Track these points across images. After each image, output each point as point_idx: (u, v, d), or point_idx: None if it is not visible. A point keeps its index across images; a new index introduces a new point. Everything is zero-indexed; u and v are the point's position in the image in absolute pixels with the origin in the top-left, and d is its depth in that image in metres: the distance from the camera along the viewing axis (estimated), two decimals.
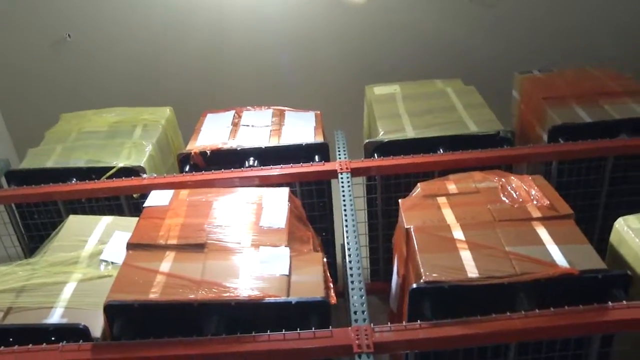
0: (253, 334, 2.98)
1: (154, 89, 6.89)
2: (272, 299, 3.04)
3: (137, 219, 3.83)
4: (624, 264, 3.43)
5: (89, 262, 3.61)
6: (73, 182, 4.61)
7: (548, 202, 3.65)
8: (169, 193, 4.02)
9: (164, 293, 3.07)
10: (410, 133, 4.74)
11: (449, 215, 3.68)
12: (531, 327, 2.96)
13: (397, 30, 6.69)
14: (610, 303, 3.00)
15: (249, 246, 3.45)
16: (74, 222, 4.07)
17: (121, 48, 6.84)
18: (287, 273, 3.23)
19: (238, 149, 4.69)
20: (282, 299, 3.05)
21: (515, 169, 4.72)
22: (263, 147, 4.70)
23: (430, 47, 6.75)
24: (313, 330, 2.98)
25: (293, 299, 3.06)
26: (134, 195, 4.57)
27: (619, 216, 3.62)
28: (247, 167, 4.55)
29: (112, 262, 3.60)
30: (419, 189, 4.04)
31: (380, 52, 6.79)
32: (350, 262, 3.57)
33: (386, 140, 4.67)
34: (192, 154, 4.65)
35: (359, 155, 4.67)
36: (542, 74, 5.47)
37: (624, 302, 3.02)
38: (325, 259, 3.54)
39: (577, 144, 4.42)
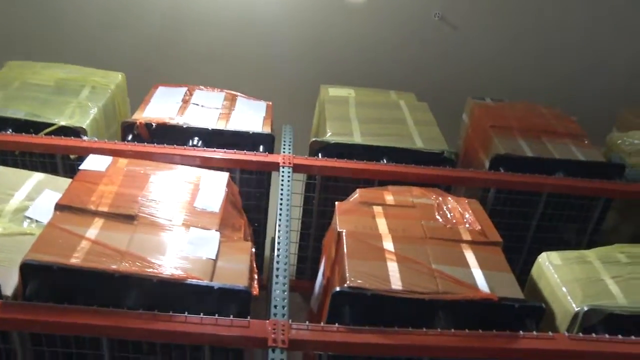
0: (170, 313, 2.95)
1: (109, 53, 6.75)
2: (194, 281, 3.01)
3: (70, 180, 3.74)
4: (540, 297, 3.54)
5: (12, 217, 3.50)
6: (8, 132, 4.46)
7: (479, 227, 3.73)
8: (107, 159, 3.94)
9: (86, 259, 3.00)
10: (357, 139, 4.78)
11: (382, 225, 3.72)
12: (444, 345, 3.02)
13: (360, 37, 6.73)
14: (521, 332, 3.09)
15: (180, 225, 3.41)
16: (2, 174, 3.95)
17: (85, 7, 6.67)
18: (214, 257, 3.21)
19: (184, 126, 4.63)
20: (205, 282, 3.03)
21: (454, 190, 4.81)
22: (209, 128, 4.65)
23: (391, 58, 6.82)
24: (231, 318, 2.97)
25: (215, 284, 3.04)
26: (71, 157, 4.46)
27: (544, 251, 3.73)
28: (190, 146, 4.50)
29: (37, 221, 3.49)
30: (357, 194, 4.07)
31: (341, 55, 6.81)
32: (278, 256, 3.57)
33: (332, 142, 4.69)
34: (137, 124, 4.57)
35: (303, 153, 4.68)
36: (493, 103, 5.59)
37: (534, 332, 3.12)
38: (253, 250, 3.53)
39: (516, 176, 4.54)
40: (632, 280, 3.38)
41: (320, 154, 4.62)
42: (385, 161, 4.63)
